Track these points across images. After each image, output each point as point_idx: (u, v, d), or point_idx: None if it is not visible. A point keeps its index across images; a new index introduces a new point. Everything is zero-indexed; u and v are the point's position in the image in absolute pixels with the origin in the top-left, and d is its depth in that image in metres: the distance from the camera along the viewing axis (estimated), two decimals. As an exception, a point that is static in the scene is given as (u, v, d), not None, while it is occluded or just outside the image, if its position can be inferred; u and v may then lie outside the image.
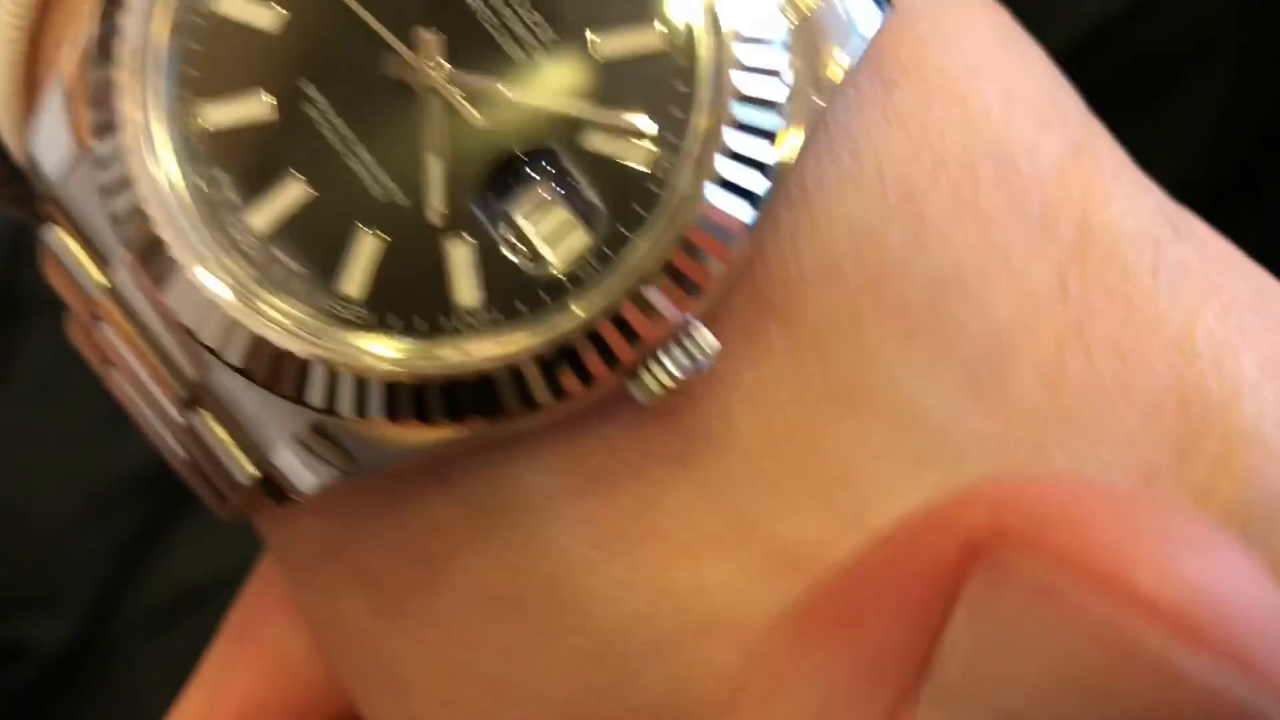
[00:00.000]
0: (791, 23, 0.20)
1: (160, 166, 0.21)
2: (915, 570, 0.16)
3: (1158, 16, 0.40)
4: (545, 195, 0.20)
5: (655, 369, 0.20)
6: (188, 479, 0.22)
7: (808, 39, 0.20)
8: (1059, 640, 0.15)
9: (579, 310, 0.20)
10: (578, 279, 0.20)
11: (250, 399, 0.21)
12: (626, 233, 0.20)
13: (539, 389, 0.20)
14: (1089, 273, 0.20)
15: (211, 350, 0.20)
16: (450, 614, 0.21)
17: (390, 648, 0.22)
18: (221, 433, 0.21)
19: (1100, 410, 0.19)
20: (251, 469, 0.21)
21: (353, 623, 0.22)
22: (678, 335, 0.20)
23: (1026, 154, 0.20)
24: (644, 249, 0.20)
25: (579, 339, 0.20)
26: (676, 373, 0.20)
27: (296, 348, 0.20)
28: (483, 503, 0.21)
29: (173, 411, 0.22)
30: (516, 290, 0.20)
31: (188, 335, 0.21)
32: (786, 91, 0.20)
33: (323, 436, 0.21)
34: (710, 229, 0.20)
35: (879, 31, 0.20)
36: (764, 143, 0.20)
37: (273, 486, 0.21)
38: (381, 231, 0.20)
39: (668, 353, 0.20)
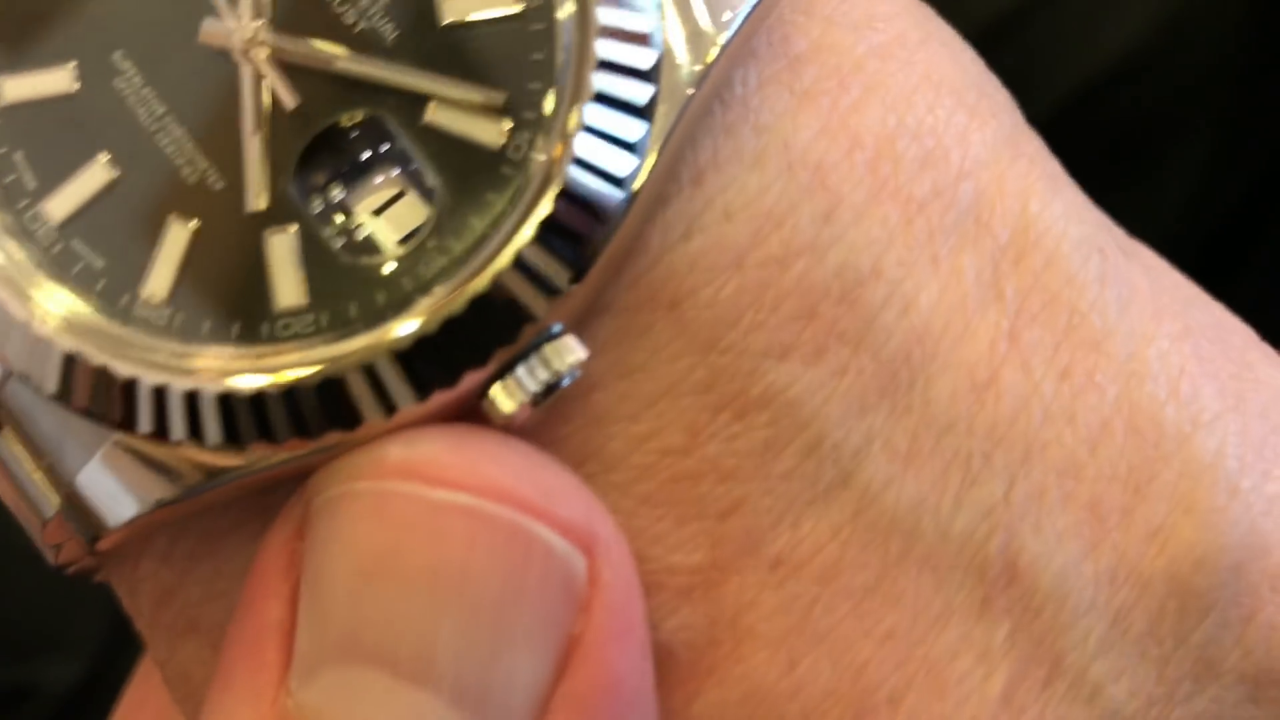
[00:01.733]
0: None
1: None
2: (267, 576, 0.17)
3: (1143, 79, 0.40)
4: (381, 179, 0.18)
5: (509, 384, 0.17)
6: (21, 520, 0.20)
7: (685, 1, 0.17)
8: (374, 536, 0.16)
9: (415, 314, 0.17)
10: (416, 276, 0.17)
11: (48, 414, 0.18)
12: (474, 221, 0.17)
13: (367, 407, 0.17)
14: (1027, 274, 0.17)
15: None
16: None
17: None
18: (23, 455, 0.18)
19: (1036, 427, 0.17)
20: (56, 499, 0.18)
21: (189, 673, 0.20)
22: (535, 343, 0.17)
23: (956, 140, 0.18)
24: (494, 241, 0.17)
25: (415, 347, 0.17)
26: (533, 388, 0.17)
27: (89, 353, 0.17)
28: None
29: None
30: (345, 290, 0.17)
31: None
32: (656, 58, 0.17)
33: (131, 457, 0.18)
34: (571, 217, 0.17)
35: None
36: (632, 119, 0.17)
37: (82, 521, 0.19)
38: (193, 220, 0.17)
39: (524, 363, 0.17)
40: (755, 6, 0.17)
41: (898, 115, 0.18)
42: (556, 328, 0.17)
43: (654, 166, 0.17)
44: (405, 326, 0.17)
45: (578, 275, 0.17)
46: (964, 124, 0.18)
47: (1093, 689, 0.16)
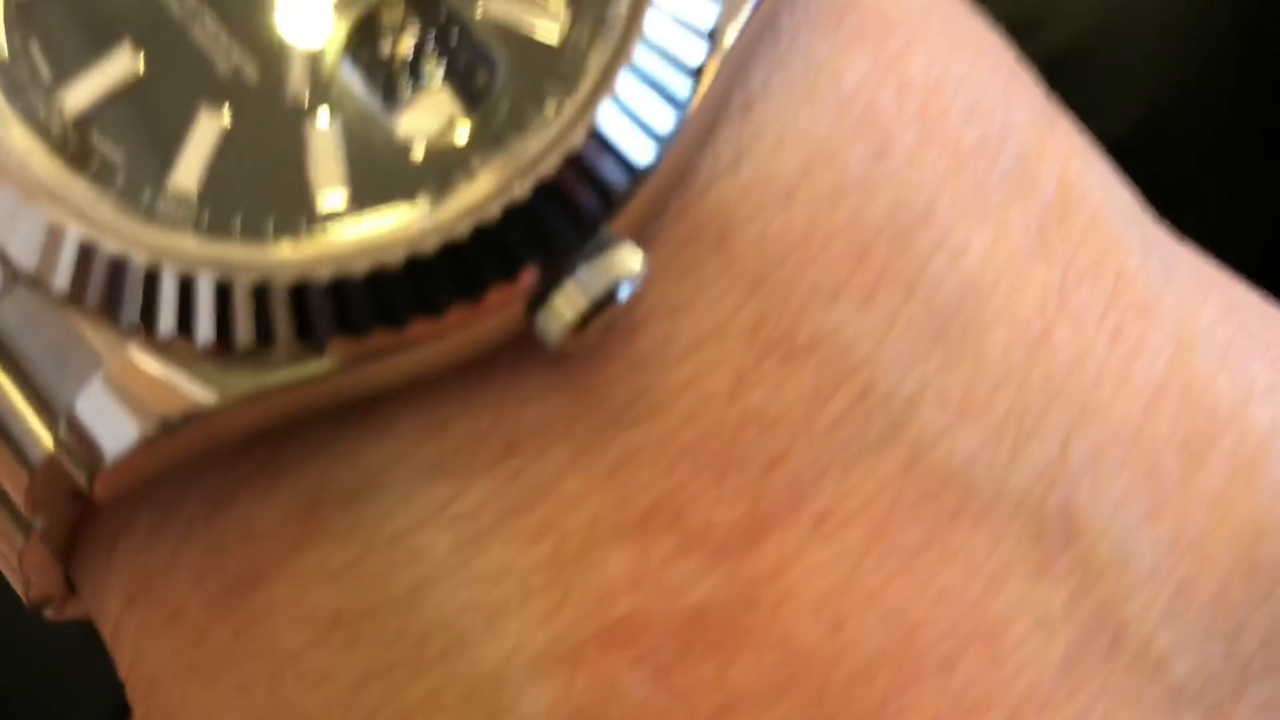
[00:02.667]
0: None
1: None
2: None
3: (1142, 155, 0.40)
4: (429, 68, 0.16)
5: (568, 291, 0.15)
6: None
7: None
8: None
9: (461, 205, 0.15)
10: (466, 167, 0.16)
11: (42, 333, 0.16)
12: (526, 116, 0.16)
13: (408, 304, 0.15)
14: (1074, 233, 0.17)
15: None
16: (264, 649, 0.16)
17: (195, 702, 0.17)
18: (10, 389, 0.16)
19: (1091, 386, 0.16)
20: (49, 440, 0.16)
21: (156, 677, 0.17)
22: (592, 248, 0.15)
23: (999, 99, 0.18)
24: (546, 137, 0.15)
25: (466, 239, 0.15)
26: (596, 290, 0.15)
27: (106, 241, 0.15)
28: (317, 494, 0.16)
29: None
30: (388, 181, 0.16)
31: None
32: None
33: (142, 374, 0.16)
34: (624, 129, 0.16)
35: None
36: (694, 39, 0.16)
37: (76, 459, 0.16)
38: (226, 111, 0.16)
39: (581, 269, 0.15)
40: None
41: (943, 66, 0.17)
42: (610, 233, 0.16)
43: (714, 78, 0.16)
44: (456, 217, 0.15)
45: (635, 180, 0.15)
46: (1005, 85, 0.18)
47: (1157, 662, 0.15)
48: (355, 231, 0.16)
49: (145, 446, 0.16)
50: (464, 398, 0.16)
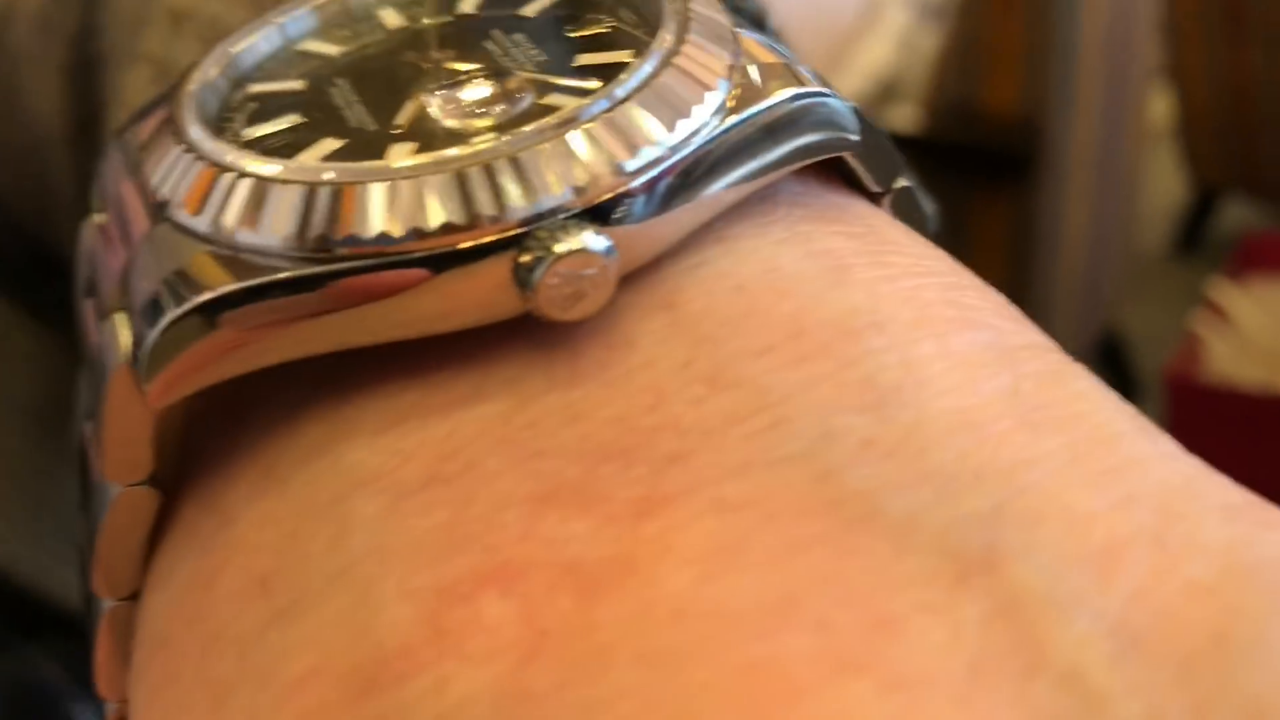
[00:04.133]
0: None
1: None
2: None
3: None
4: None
5: (542, 239, 0.16)
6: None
7: None
8: None
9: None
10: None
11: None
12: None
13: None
14: (1033, 353, 0.17)
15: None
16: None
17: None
18: (121, 323, 0.17)
19: (1042, 478, 0.15)
20: (128, 338, 0.17)
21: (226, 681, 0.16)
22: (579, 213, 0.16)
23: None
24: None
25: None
26: (567, 247, 0.16)
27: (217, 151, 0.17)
28: (277, 454, 0.17)
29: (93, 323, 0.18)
30: (450, 136, 0.17)
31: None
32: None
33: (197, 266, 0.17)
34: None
35: None
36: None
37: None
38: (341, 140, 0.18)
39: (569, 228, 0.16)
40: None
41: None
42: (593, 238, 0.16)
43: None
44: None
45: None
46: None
47: (1094, 694, 0.13)
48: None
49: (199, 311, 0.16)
50: (437, 374, 0.16)
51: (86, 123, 0.28)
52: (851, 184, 0.18)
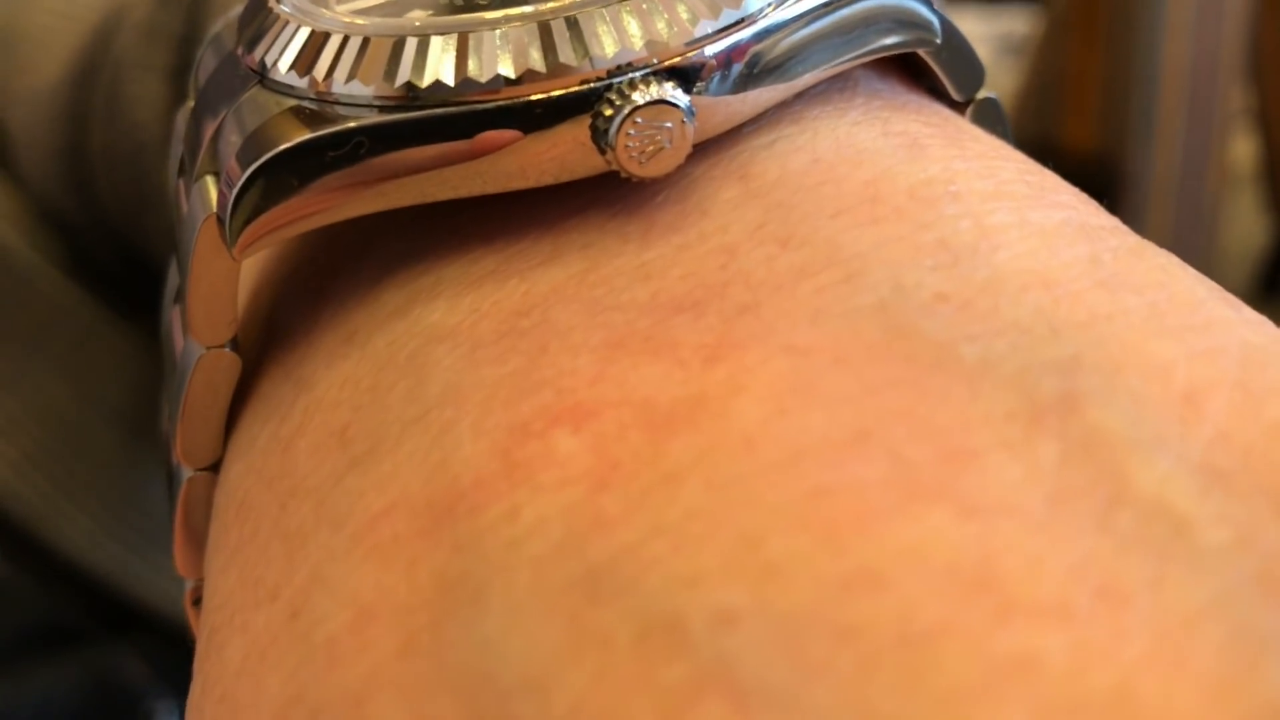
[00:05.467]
0: None
1: None
2: None
3: None
4: None
5: (624, 91, 0.16)
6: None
7: None
8: None
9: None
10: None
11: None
12: None
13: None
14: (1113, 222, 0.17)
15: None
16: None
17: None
18: (210, 184, 0.17)
19: (1121, 329, 0.15)
20: (214, 197, 0.17)
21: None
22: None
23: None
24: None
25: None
26: (645, 98, 0.16)
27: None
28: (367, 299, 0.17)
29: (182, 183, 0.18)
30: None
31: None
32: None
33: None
34: None
35: None
36: None
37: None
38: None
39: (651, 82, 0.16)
40: None
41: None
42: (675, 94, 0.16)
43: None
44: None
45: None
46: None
47: (1180, 522, 0.13)
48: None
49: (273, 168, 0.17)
50: (515, 244, 0.17)
51: None
52: (936, 95, 0.18)
